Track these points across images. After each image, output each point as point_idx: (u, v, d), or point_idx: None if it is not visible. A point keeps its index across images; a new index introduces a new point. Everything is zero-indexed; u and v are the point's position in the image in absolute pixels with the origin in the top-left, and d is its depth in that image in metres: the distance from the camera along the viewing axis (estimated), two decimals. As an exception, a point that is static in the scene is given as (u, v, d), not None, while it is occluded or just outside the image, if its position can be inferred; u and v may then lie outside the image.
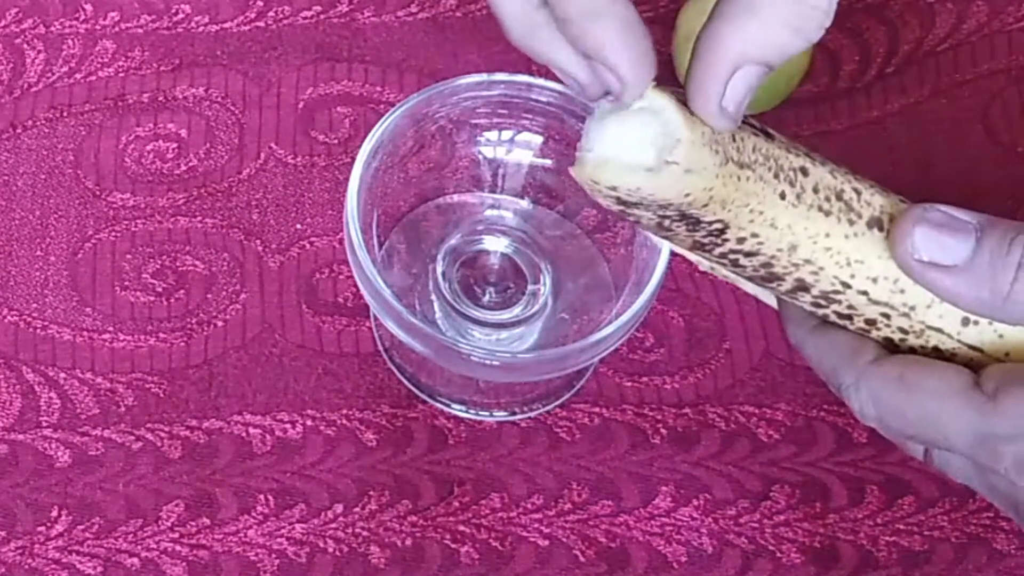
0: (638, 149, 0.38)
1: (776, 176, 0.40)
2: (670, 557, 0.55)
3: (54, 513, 0.55)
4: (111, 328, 0.59)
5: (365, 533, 0.55)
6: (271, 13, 0.66)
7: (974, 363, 0.42)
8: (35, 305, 0.59)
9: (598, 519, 0.56)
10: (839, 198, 0.41)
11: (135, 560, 0.54)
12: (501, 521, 0.55)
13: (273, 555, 0.54)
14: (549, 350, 0.52)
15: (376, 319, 0.58)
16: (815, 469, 0.57)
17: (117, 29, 0.66)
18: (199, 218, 0.61)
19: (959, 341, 0.42)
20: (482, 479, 0.56)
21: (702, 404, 0.58)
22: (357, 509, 0.55)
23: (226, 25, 0.66)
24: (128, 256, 0.60)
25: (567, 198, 0.57)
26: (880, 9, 0.66)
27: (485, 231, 0.57)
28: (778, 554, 0.55)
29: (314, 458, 0.56)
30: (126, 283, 0.60)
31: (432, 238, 0.57)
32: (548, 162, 0.56)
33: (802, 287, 0.42)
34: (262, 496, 0.55)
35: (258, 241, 0.61)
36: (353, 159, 0.52)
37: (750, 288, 0.46)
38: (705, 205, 0.39)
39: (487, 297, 0.56)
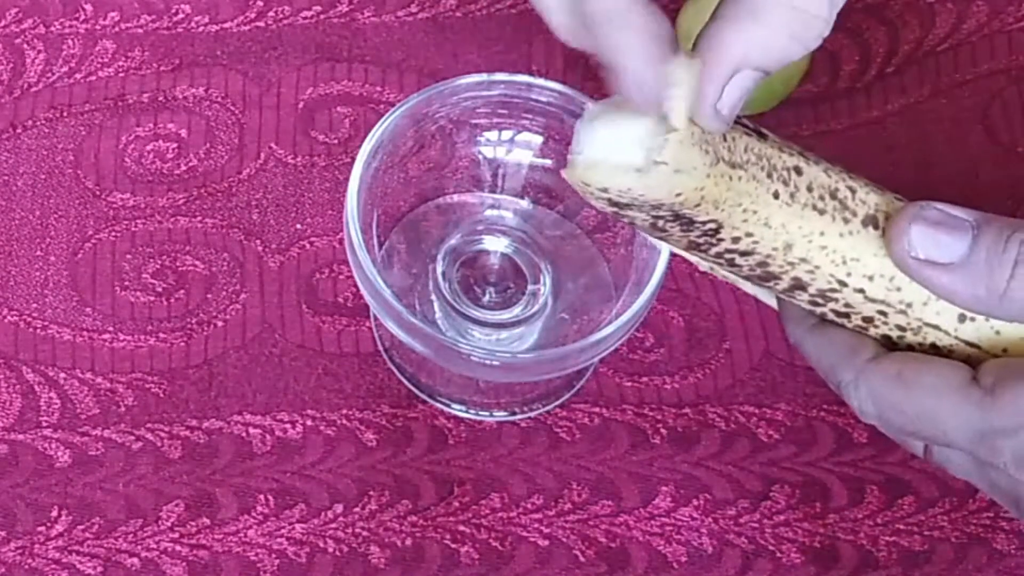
0: (627, 150, 0.38)
1: (769, 176, 0.41)
2: (670, 557, 0.55)
3: (54, 513, 0.55)
4: (111, 328, 0.59)
5: (365, 533, 0.55)
6: (271, 13, 0.66)
7: (972, 359, 0.42)
8: (35, 305, 0.59)
9: (598, 519, 0.56)
10: (833, 196, 0.41)
11: (135, 560, 0.54)
12: (501, 521, 0.55)
13: (273, 555, 0.54)
14: (549, 350, 0.52)
15: (376, 319, 0.58)
16: (815, 469, 0.57)
17: (117, 29, 0.66)
18: (199, 218, 0.61)
19: (956, 338, 0.42)
20: (482, 479, 0.56)
21: (702, 404, 0.58)
22: (357, 509, 0.55)
23: (226, 25, 0.66)
24: (128, 256, 0.60)
25: (567, 198, 0.57)
26: (880, 9, 0.66)
27: (485, 231, 0.57)
28: (778, 554, 0.55)
29: (314, 458, 0.56)
30: (126, 283, 0.60)
31: (432, 238, 0.57)
32: (548, 162, 0.56)
33: (799, 285, 0.42)
34: (262, 496, 0.55)
35: (258, 241, 0.61)
36: (353, 159, 0.52)
37: (749, 288, 0.46)
38: (697, 205, 0.39)
39: (487, 297, 0.56)
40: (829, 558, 0.55)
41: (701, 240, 0.41)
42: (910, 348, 0.43)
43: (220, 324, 0.59)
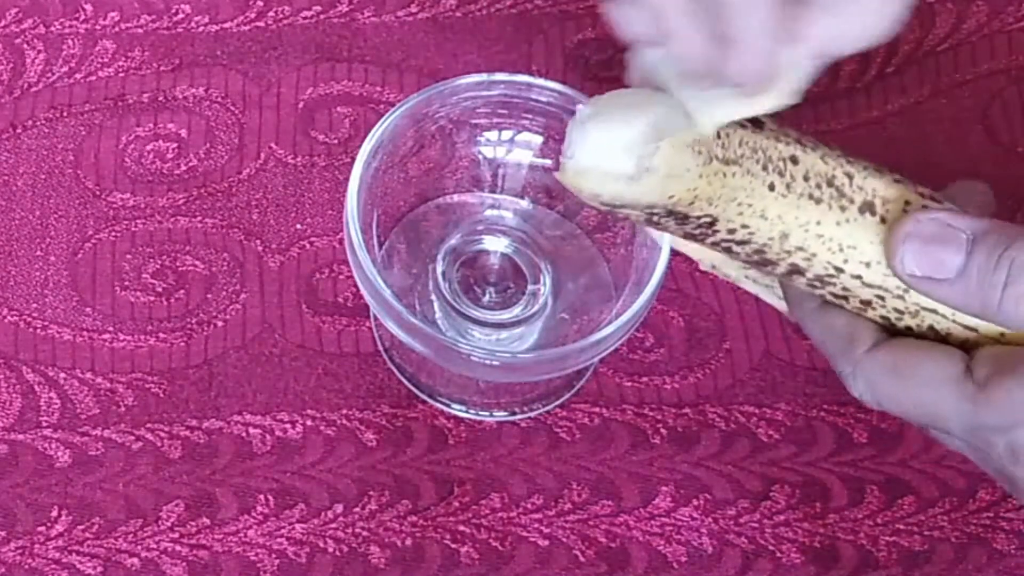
0: (617, 157, 0.38)
1: (765, 168, 0.41)
2: (670, 557, 0.55)
3: (54, 513, 0.55)
4: (111, 328, 0.59)
5: (365, 533, 0.55)
6: (271, 13, 0.66)
7: (969, 343, 0.42)
8: (35, 305, 0.59)
9: (598, 519, 0.56)
10: (830, 184, 0.41)
11: (135, 560, 0.54)
12: (501, 521, 0.55)
13: (273, 555, 0.54)
14: (549, 350, 0.52)
15: (376, 319, 0.58)
16: (815, 469, 0.57)
17: (117, 29, 0.66)
18: (199, 218, 0.61)
19: (954, 321, 0.42)
20: (482, 479, 0.56)
21: (702, 404, 0.58)
22: (357, 509, 0.55)
23: (226, 25, 0.66)
24: (128, 256, 0.60)
25: (567, 198, 0.57)
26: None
27: (485, 231, 0.57)
28: (778, 554, 0.55)
29: (314, 458, 0.56)
30: (126, 283, 0.60)
31: (432, 238, 0.57)
32: (548, 162, 0.56)
33: (796, 271, 0.42)
34: (262, 496, 0.55)
35: (258, 241, 0.61)
36: (353, 159, 0.52)
37: (751, 287, 0.46)
38: (691, 203, 0.40)
39: (487, 297, 0.56)
40: (829, 558, 0.55)
41: (697, 232, 0.41)
42: (908, 329, 0.43)
43: (220, 324, 0.59)
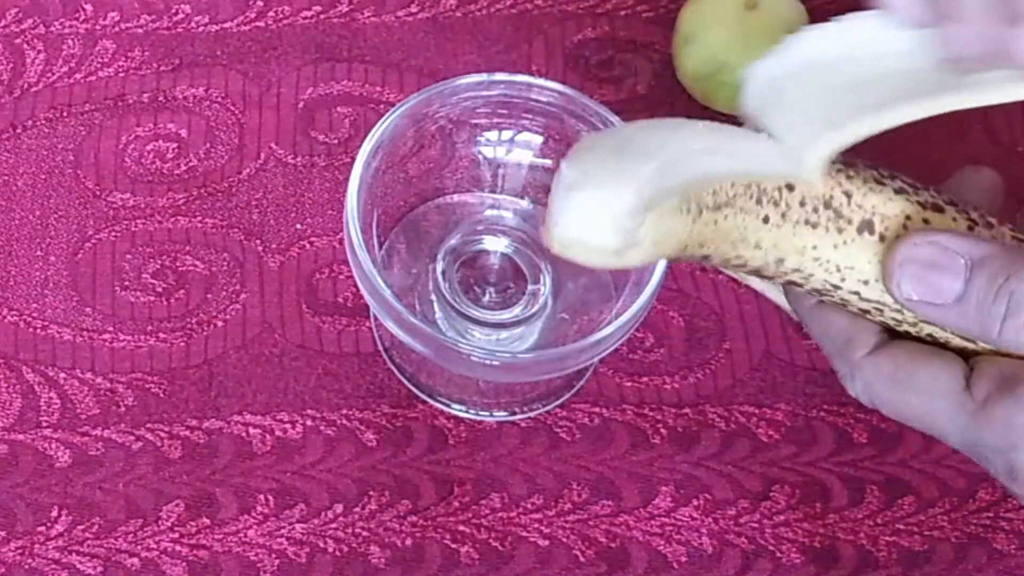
0: (603, 233, 0.37)
1: (759, 202, 0.40)
2: (670, 557, 0.55)
3: (54, 513, 0.55)
4: (111, 328, 0.59)
5: (365, 533, 0.55)
6: (271, 13, 0.66)
7: (968, 351, 0.42)
8: (35, 305, 0.59)
9: (598, 519, 0.56)
10: (827, 206, 0.41)
11: (135, 560, 0.54)
12: (501, 521, 0.55)
13: (273, 555, 0.54)
14: (549, 350, 0.52)
15: (376, 319, 0.58)
16: (815, 469, 0.57)
17: (117, 29, 0.66)
18: (199, 218, 0.61)
19: (953, 332, 0.42)
20: (482, 479, 0.56)
21: (702, 404, 0.58)
22: (357, 509, 0.55)
23: (226, 25, 0.66)
24: (128, 256, 0.60)
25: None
26: (880, 9, 0.66)
27: (485, 231, 0.57)
28: (778, 554, 0.55)
29: (314, 458, 0.56)
30: (126, 283, 0.60)
31: (432, 238, 0.57)
32: (548, 162, 0.56)
33: (794, 284, 0.42)
34: (262, 496, 0.55)
35: (258, 241, 0.61)
36: (353, 159, 0.52)
37: (755, 283, 0.46)
38: (683, 250, 0.39)
39: (487, 297, 0.56)
40: (829, 558, 0.55)
41: (691, 260, 0.41)
42: (908, 333, 0.43)
43: (220, 324, 0.59)
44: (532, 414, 0.57)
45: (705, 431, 0.57)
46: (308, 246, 0.60)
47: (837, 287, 0.41)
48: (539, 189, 0.57)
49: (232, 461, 0.56)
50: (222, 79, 0.64)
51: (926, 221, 0.41)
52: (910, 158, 0.63)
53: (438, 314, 0.56)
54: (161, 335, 0.59)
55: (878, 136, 0.65)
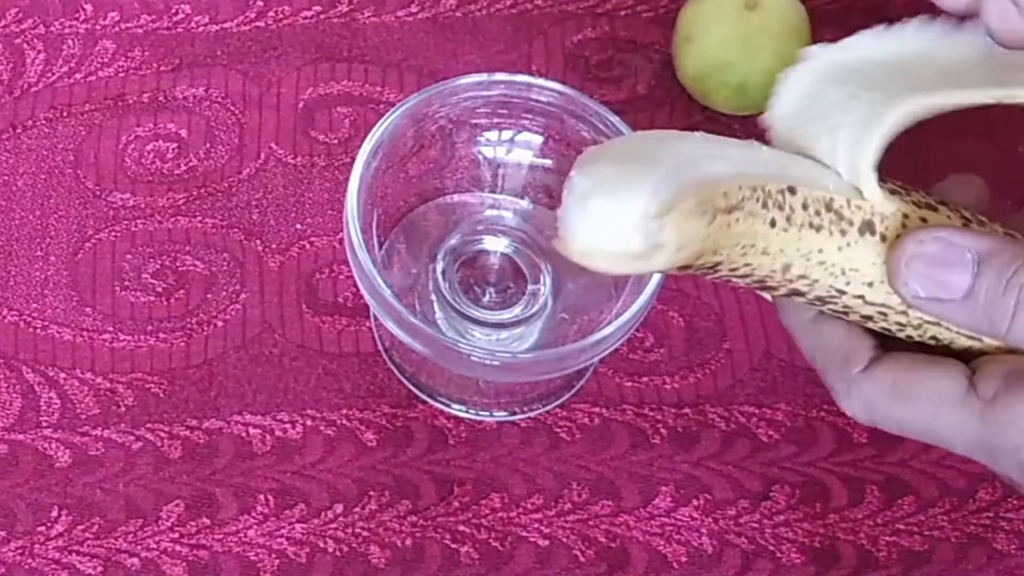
0: (626, 237, 0.36)
1: (764, 205, 0.39)
2: (670, 557, 0.55)
3: (54, 513, 0.55)
4: (111, 328, 0.59)
5: (365, 533, 0.55)
6: (271, 13, 0.66)
7: (972, 352, 0.42)
8: (35, 305, 0.59)
9: (598, 519, 0.56)
10: (829, 208, 0.41)
11: (135, 560, 0.54)
12: (501, 521, 0.55)
13: (273, 555, 0.54)
14: (549, 350, 0.52)
15: (376, 319, 0.58)
16: (815, 469, 0.57)
17: (117, 29, 0.66)
18: (199, 218, 0.61)
19: (957, 332, 0.42)
20: (482, 479, 0.56)
21: (702, 404, 0.58)
22: (357, 509, 0.55)
23: (226, 25, 0.66)
24: (128, 256, 0.60)
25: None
26: (880, 9, 0.66)
27: (485, 231, 0.57)
28: (778, 554, 0.55)
29: (314, 458, 0.56)
30: (126, 283, 0.60)
31: (432, 238, 0.57)
32: (548, 162, 0.56)
33: (797, 294, 0.42)
34: (262, 496, 0.55)
35: (258, 241, 0.61)
36: (353, 159, 0.52)
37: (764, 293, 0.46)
38: (698, 258, 0.39)
39: (487, 297, 0.56)
40: (829, 558, 0.55)
41: (699, 273, 0.41)
42: (909, 338, 0.42)
43: (220, 324, 0.59)
44: (532, 414, 0.57)
45: (705, 431, 0.57)
46: (308, 246, 0.61)
47: (842, 291, 0.41)
48: (539, 189, 0.57)
49: (232, 461, 0.56)
50: (222, 79, 0.64)
51: (923, 220, 0.41)
52: (910, 158, 0.63)
53: (438, 314, 0.56)
54: (161, 335, 0.59)
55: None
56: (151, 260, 0.60)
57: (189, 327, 0.59)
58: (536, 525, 0.55)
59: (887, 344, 0.43)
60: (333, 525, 0.55)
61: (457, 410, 0.57)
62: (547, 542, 0.55)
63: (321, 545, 0.55)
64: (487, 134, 0.56)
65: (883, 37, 0.42)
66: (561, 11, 0.67)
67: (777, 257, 0.40)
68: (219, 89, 0.64)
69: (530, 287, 0.56)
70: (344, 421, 0.57)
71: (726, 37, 0.61)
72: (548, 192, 0.57)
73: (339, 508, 0.55)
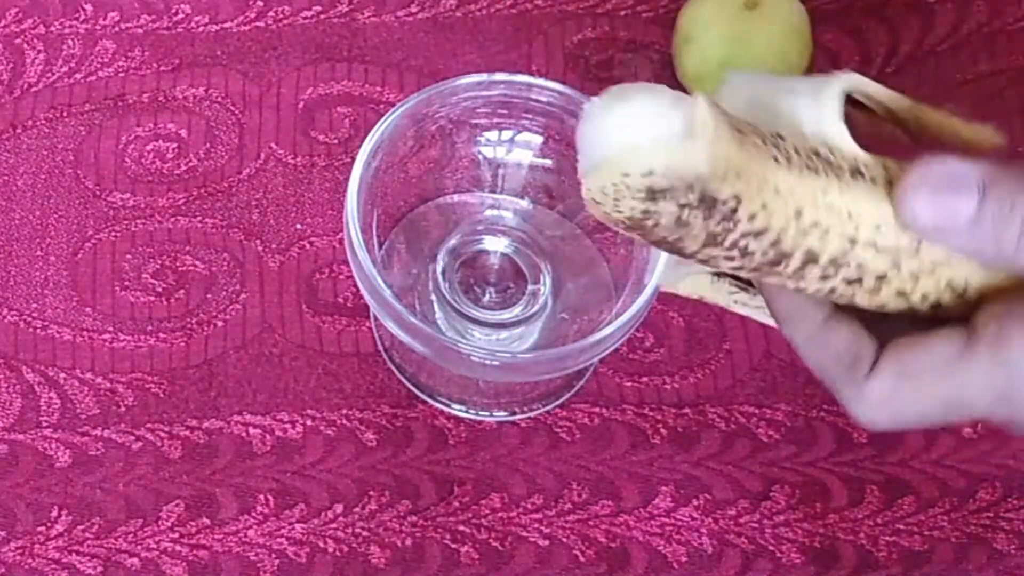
0: (666, 116, 0.36)
1: (764, 141, 0.39)
2: (670, 557, 0.55)
3: (54, 513, 0.55)
4: (111, 328, 0.59)
5: (365, 533, 0.55)
6: (271, 13, 0.66)
7: (989, 291, 0.41)
8: (35, 305, 0.59)
9: (598, 519, 0.56)
10: (817, 155, 0.41)
11: (135, 560, 0.54)
12: (501, 521, 0.55)
13: (273, 555, 0.54)
14: (549, 350, 0.52)
15: (376, 319, 0.58)
16: (815, 469, 0.57)
17: (117, 29, 0.66)
18: (199, 218, 0.61)
19: (972, 271, 0.41)
20: (482, 479, 0.56)
21: (702, 404, 0.58)
22: (357, 509, 0.55)
23: (226, 25, 0.66)
24: (128, 256, 0.60)
25: (567, 198, 0.57)
26: (880, 9, 0.66)
27: (485, 231, 0.57)
28: (778, 554, 0.55)
29: (314, 458, 0.56)
30: (126, 283, 0.60)
31: (432, 238, 0.57)
32: (548, 162, 0.56)
33: (811, 259, 0.41)
34: (262, 496, 0.55)
35: (258, 241, 0.61)
36: (353, 159, 0.52)
37: (740, 310, 0.46)
38: (724, 176, 0.38)
39: (487, 297, 0.56)
40: (829, 558, 0.55)
41: (719, 229, 0.40)
42: (924, 298, 0.42)
43: (220, 324, 0.59)
44: (532, 414, 0.57)
45: (705, 431, 0.57)
46: (308, 246, 0.61)
47: (854, 241, 0.41)
48: (539, 189, 0.57)
49: (232, 461, 0.56)
50: (222, 79, 0.64)
51: (901, 169, 0.41)
52: (909, 158, 0.63)
53: (438, 314, 0.56)
54: (161, 335, 0.59)
55: (874, 131, 0.65)
56: (151, 260, 0.60)
57: (189, 327, 0.59)
58: (536, 525, 0.55)
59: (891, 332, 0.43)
60: (333, 525, 0.55)
61: (457, 410, 0.57)
62: (547, 542, 0.55)
63: (321, 545, 0.55)
64: (487, 134, 0.56)
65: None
66: (561, 11, 0.67)
67: (788, 199, 0.40)
68: (219, 89, 0.64)
69: (530, 287, 0.56)
70: (344, 421, 0.57)
71: (726, 37, 0.61)
72: (548, 192, 0.57)
73: (339, 508, 0.55)
